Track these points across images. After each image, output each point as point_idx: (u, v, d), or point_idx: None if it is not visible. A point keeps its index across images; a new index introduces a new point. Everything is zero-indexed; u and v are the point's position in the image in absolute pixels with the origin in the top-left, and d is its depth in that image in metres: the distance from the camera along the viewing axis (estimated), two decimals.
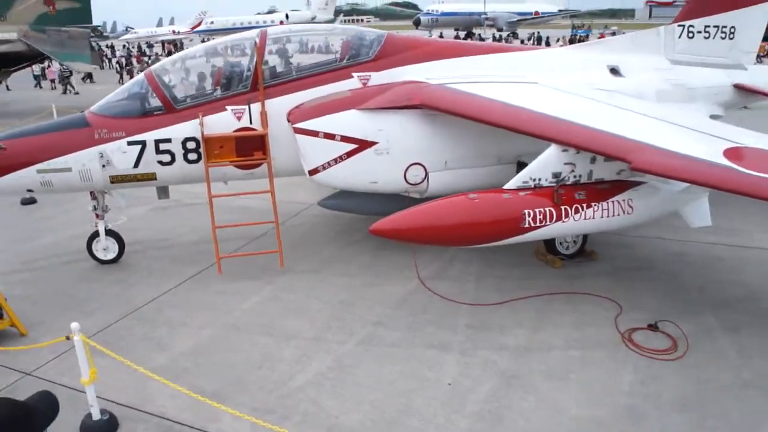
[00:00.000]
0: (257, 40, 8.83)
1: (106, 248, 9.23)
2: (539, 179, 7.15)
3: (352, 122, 8.31)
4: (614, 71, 10.00)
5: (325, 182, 8.64)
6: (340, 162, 8.37)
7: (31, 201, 12.66)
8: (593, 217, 7.16)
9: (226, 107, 8.60)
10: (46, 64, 34.29)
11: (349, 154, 8.35)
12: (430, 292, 7.91)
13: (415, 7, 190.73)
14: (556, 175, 7.20)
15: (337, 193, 9.81)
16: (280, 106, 8.61)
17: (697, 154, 6.52)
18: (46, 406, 2.39)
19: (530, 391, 5.82)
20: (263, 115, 8.55)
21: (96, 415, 5.47)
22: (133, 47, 62.29)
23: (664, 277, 8.24)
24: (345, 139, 8.31)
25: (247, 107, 8.61)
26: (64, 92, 33.08)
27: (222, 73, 8.99)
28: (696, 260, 8.75)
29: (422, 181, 8.60)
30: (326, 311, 7.57)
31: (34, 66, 32.93)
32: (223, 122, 8.54)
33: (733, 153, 6.54)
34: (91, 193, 8.91)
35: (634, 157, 6.51)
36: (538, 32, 64.35)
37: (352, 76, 8.95)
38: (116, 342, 6.87)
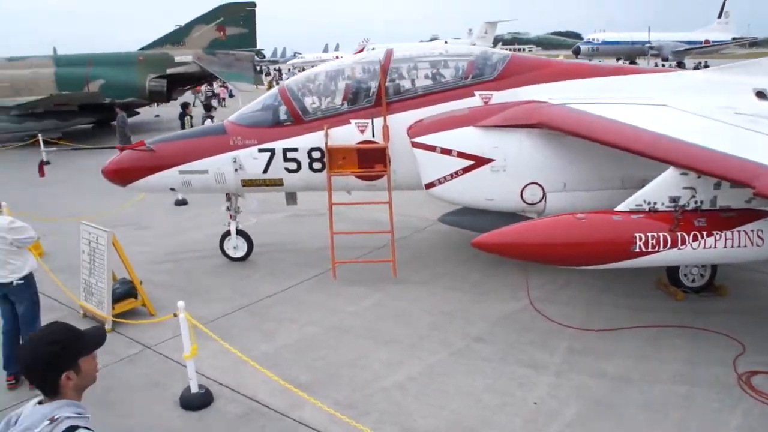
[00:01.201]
0: (382, 59, 9.17)
1: (236, 247, 9.97)
2: (654, 203, 6.78)
3: (468, 139, 8.41)
4: (761, 95, 9.24)
5: (441, 196, 8.76)
6: (456, 177, 8.47)
7: (183, 202, 13.93)
8: (714, 247, 6.64)
9: (351, 120, 9.01)
10: (214, 85, 37.40)
11: (465, 170, 8.43)
12: (537, 312, 7.74)
13: (577, 36, 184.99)
14: (673, 200, 6.78)
15: (458, 209, 9.91)
16: (402, 121, 8.87)
17: None
18: (94, 335, 2.86)
19: (621, 422, 5.52)
20: (385, 129, 8.85)
21: (194, 389, 5.99)
22: (299, 71, 66.16)
23: None
24: (461, 155, 8.41)
25: (370, 121, 8.96)
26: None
27: (349, 89, 9.45)
28: None
29: (539, 201, 8.47)
30: (429, 321, 7.65)
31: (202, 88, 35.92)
32: (347, 135, 8.95)
33: None
34: (226, 195, 9.68)
35: (759, 183, 6.00)
36: (705, 62, 59.84)
37: (474, 95, 9.04)
38: (228, 329, 7.43)
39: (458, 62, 9.57)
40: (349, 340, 7.23)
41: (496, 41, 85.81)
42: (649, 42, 69.68)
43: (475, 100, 9.00)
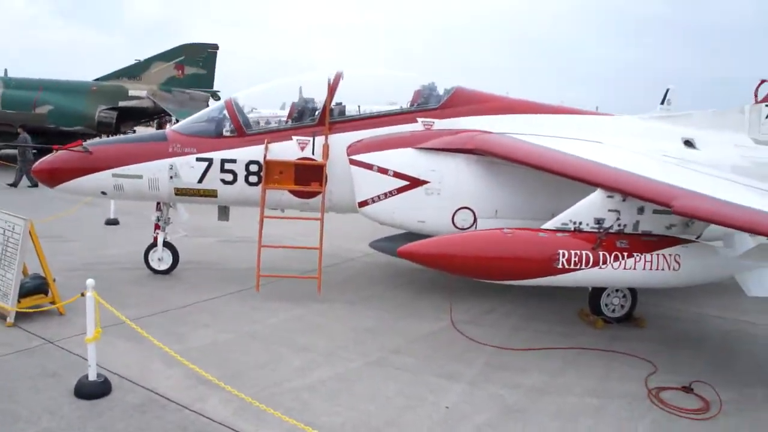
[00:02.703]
0: (331, 79, 9.19)
1: (161, 258, 9.61)
2: (579, 223, 6.89)
3: (406, 160, 8.46)
4: (688, 143, 9.61)
5: (373, 216, 8.69)
6: (390, 197, 8.46)
7: (114, 222, 13.53)
8: (634, 268, 6.74)
9: (292, 137, 8.95)
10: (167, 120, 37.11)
11: (400, 190, 8.44)
12: (458, 332, 7.61)
13: None
14: (598, 221, 6.92)
15: (389, 236, 9.89)
16: (343, 142, 8.85)
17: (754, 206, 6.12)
18: None
19: (531, 427, 5.37)
20: (325, 147, 8.80)
21: (92, 376, 5.61)
22: None
23: (716, 351, 7.56)
24: (397, 175, 8.43)
25: (311, 139, 8.91)
26: None
27: (294, 106, 9.43)
28: (763, 340, 7.99)
29: (470, 226, 8.49)
30: (348, 335, 7.44)
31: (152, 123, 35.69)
32: (287, 150, 8.85)
33: None
34: (157, 204, 9.41)
35: (677, 202, 6.15)
36: None
37: (417, 121, 9.12)
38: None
39: (406, 89, 9.69)
40: (263, 346, 6.95)
41: None
42: None
43: (417, 126, 9.08)
